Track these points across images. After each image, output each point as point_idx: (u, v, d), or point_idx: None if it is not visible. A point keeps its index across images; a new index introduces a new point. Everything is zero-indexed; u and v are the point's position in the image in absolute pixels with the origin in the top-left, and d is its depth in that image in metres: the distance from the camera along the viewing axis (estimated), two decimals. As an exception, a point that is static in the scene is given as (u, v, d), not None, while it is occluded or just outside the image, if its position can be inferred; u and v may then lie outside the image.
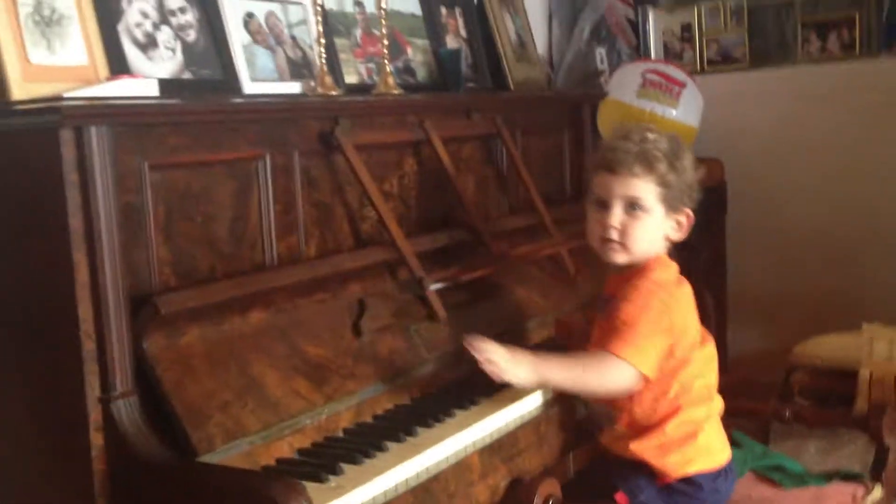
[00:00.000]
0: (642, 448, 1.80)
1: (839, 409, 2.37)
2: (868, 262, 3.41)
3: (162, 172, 1.59)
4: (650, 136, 1.81)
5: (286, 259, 1.81)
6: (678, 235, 1.83)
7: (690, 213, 1.81)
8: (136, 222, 1.55)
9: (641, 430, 1.81)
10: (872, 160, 3.41)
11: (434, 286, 1.96)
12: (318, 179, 1.89)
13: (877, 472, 2.02)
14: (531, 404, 1.89)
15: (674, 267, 1.84)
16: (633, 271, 1.80)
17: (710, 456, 1.82)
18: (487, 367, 1.69)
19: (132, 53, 1.72)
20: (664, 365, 1.76)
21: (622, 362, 1.70)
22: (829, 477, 2.02)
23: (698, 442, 1.80)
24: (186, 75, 1.82)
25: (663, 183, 1.78)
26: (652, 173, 1.77)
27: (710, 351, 1.87)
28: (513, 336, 2.13)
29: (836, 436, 2.56)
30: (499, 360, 1.70)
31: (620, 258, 1.80)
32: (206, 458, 1.48)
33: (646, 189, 1.77)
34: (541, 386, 1.81)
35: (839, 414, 2.27)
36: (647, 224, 1.78)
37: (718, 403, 1.88)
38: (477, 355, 1.68)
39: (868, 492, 1.96)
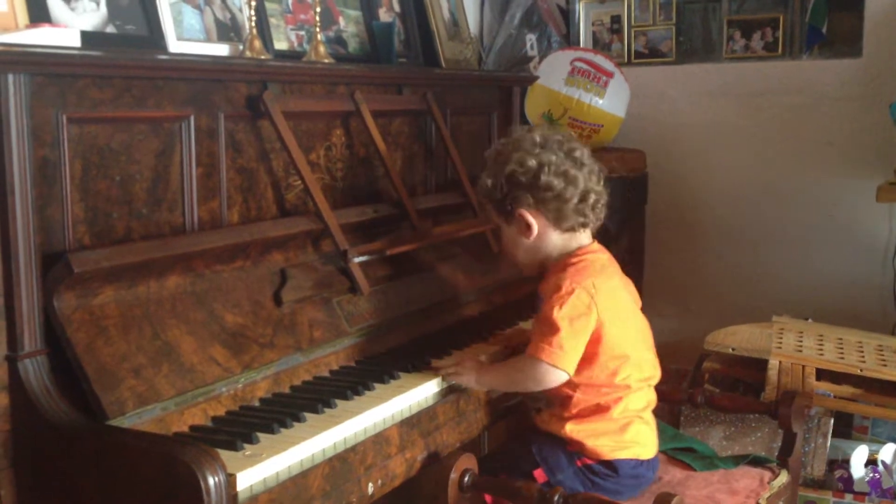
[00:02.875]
0: (578, 430, 1.85)
1: (748, 397, 2.42)
2: (780, 256, 3.51)
3: (81, 126, 1.53)
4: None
5: (207, 224, 1.77)
6: (529, 237, 1.87)
7: (521, 212, 1.85)
8: (51, 177, 1.49)
9: (581, 414, 1.85)
10: (789, 158, 3.50)
11: (358, 259, 1.94)
12: (244, 144, 1.85)
13: (784, 458, 2.07)
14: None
15: (590, 257, 1.87)
16: (549, 273, 1.88)
17: (638, 446, 1.87)
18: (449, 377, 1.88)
19: (54, 3, 1.65)
20: (599, 353, 1.82)
21: (546, 366, 1.80)
22: (737, 460, 2.07)
23: (630, 431, 1.86)
24: (110, 29, 1.76)
25: (487, 195, 1.90)
26: (481, 194, 1.92)
27: (648, 334, 1.95)
28: (435, 312, 2.13)
29: (743, 422, 2.62)
30: (454, 370, 1.88)
31: (526, 272, 1.96)
32: (117, 423, 1.44)
33: (488, 209, 1.93)
34: (484, 386, 1.91)
35: (748, 401, 2.32)
36: (506, 239, 1.92)
37: (652, 396, 1.93)
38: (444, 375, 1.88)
39: (775, 476, 2.01)
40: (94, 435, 1.41)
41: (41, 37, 1.51)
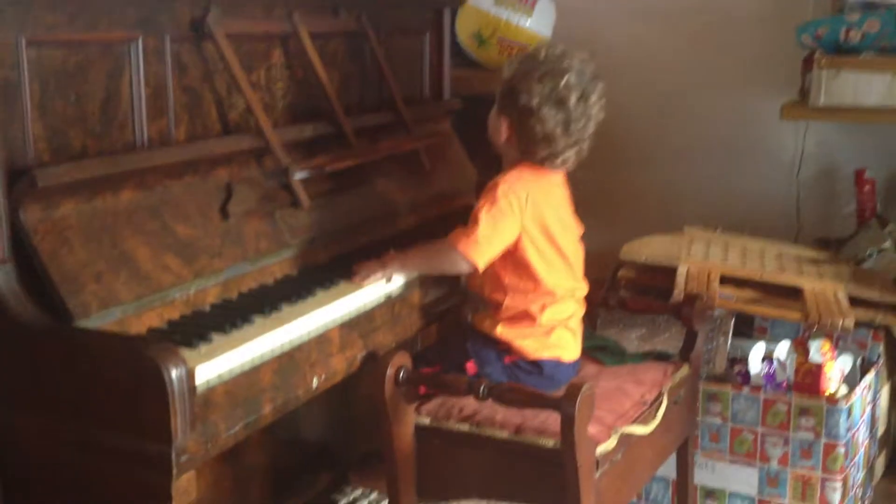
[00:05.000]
0: (507, 332, 2.03)
1: (658, 300, 2.63)
2: (694, 171, 3.72)
3: (38, 49, 1.62)
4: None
5: (156, 141, 1.88)
6: (498, 137, 2.03)
7: (503, 120, 2.01)
8: (11, 98, 1.59)
9: (511, 318, 2.03)
10: (702, 77, 3.68)
11: (299, 175, 2.07)
12: (189, 65, 1.95)
13: (685, 353, 2.30)
14: (388, 286, 2.06)
15: (538, 174, 2.01)
16: (503, 169, 2.05)
17: (560, 349, 2.05)
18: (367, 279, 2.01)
19: (4, -73, 1.72)
20: (526, 262, 1.99)
21: (459, 254, 1.96)
22: (644, 356, 2.29)
23: (554, 336, 2.04)
24: (59, -46, 1.82)
25: (500, 81, 2.03)
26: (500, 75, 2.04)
27: (573, 248, 2.10)
28: (373, 225, 2.28)
29: (654, 324, 2.85)
30: (371, 272, 2.01)
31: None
32: (81, 325, 1.58)
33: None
34: (408, 273, 2.08)
35: (656, 303, 2.54)
36: (491, 116, 2.07)
37: (578, 306, 2.11)
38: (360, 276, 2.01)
39: (677, 369, 2.24)
40: (62, 335, 1.54)
41: (-4, -38, 1.59)
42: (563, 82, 1.92)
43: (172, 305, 1.76)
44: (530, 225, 1.98)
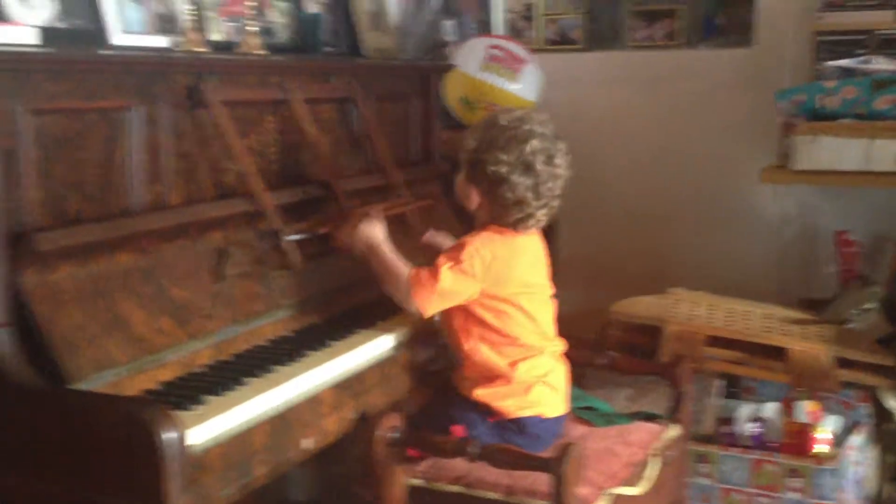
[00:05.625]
0: (485, 394, 2.04)
1: (646, 361, 2.66)
2: (678, 232, 3.79)
3: (38, 117, 1.66)
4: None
5: (152, 206, 1.91)
6: (469, 204, 2.07)
7: (472, 190, 2.04)
8: (12, 164, 1.62)
9: (484, 377, 2.05)
10: (684, 141, 3.77)
11: (290, 238, 2.10)
12: (184, 131, 2.00)
13: (673, 414, 2.32)
14: (380, 348, 2.08)
15: (508, 235, 2.04)
16: (474, 228, 2.08)
17: (542, 406, 2.06)
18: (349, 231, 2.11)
19: (8, 1, 1.77)
20: (486, 317, 2.02)
21: (412, 297, 2.02)
22: (633, 417, 2.31)
23: (533, 393, 2.05)
24: (60, 24, 1.88)
25: (464, 150, 2.05)
26: (462, 145, 2.07)
27: (549, 308, 2.13)
28: (361, 287, 2.31)
29: (643, 384, 2.88)
30: (368, 221, 2.10)
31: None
32: (77, 387, 1.59)
33: (460, 154, 2.09)
34: (372, 252, 2.11)
35: (643, 363, 2.57)
36: (458, 183, 2.10)
37: (556, 363, 2.12)
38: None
39: (665, 430, 2.25)
40: (58, 397, 1.55)
41: (1, 34, 1.64)
42: (528, 147, 1.96)
43: (166, 367, 1.77)
44: (490, 288, 2.02)
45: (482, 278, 1.99)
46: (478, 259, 1.99)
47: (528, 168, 1.96)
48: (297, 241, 2.11)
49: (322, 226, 2.18)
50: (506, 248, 2.03)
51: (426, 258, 2.14)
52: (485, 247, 2.01)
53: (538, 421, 2.06)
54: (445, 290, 1.99)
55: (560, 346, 2.15)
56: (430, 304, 2.02)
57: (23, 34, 1.72)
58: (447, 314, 2.10)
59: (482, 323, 2.04)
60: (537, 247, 2.11)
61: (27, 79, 1.63)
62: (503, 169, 1.96)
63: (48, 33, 1.83)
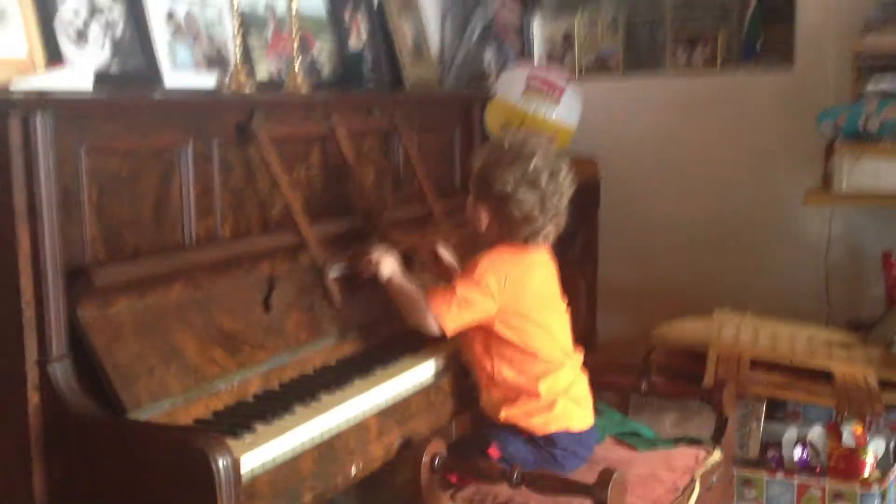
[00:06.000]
0: (512, 414, 2.08)
1: (690, 385, 2.67)
2: (722, 255, 3.78)
3: (96, 157, 1.74)
4: None
5: (204, 239, 1.98)
6: (478, 224, 2.11)
7: (480, 209, 2.09)
8: (72, 202, 1.70)
9: (508, 399, 2.09)
10: (726, 165, 3.77)
11: (332, 274, 2.14)
12: (234, 166, 2.07)
13: (717, 439, 2.33)
14: (422, 375, 2.13)
15: (519, 253, 2.09)
16: (484, 248, 2.14)
17: (569, 420, 2.09)
18: (369, 264, 2.14)
19: (66, 46, 1.86)
20: (507, 334, 2.06)
21: (431, 316, 2.06)
22: (676, 442, 2.33)
23: (557, 408, 2.08)
24: (114, 67, 1.97)
25: (471, 170, 2.13)
26: (470, 167, 2.15)
27: (564, 322, 2.16)
28: (389, 320, 2.34)
29: (686, 408, 2.88)
30: (380, 256, 2.14)
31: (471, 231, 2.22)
32: (133, 416, 1.66)
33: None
34: (388, 286, 2.15)
35: (687, 388, 2.57)
36: (468, 204, 2.15)
37: (577, 375, 2.15)
38: (368, 255, 2.14)
39: (709, 455, 2.27)
40: (116, 427, 1.62)
41: (59, 78, 1.72)
42: (532, 164, 2.03)
43: (218, 396, 1.83)
44: (508, 304, 2.06)
45: (498, 294, 2.04)
46: (491, 275, 2.04)
47: (533, 184, 2.02)
48: (339, 276, 2.15)
49: (356, 261, 2.22)
50: (518, 264, 2.08)
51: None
52: (497, 263, 2.06)
53: (567, 435, 2.09)
54: (463, 303, 2.03)
55: (579, 357, 2.19)
56: (449, 320, 2.05)
57: (80, 76, 1.79)
58: (467, 340, 2.14)
59: (503, 342, 2.07)
60: (548, 261, 2.16)
61: (86, 121, 1.71)
62: (509, 186, 2.02)
63: (104, 75, 1.91)
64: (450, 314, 2.05)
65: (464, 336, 2.13)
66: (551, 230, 2.08)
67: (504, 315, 2.06)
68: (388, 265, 2.14)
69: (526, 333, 2.07)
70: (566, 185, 2.07)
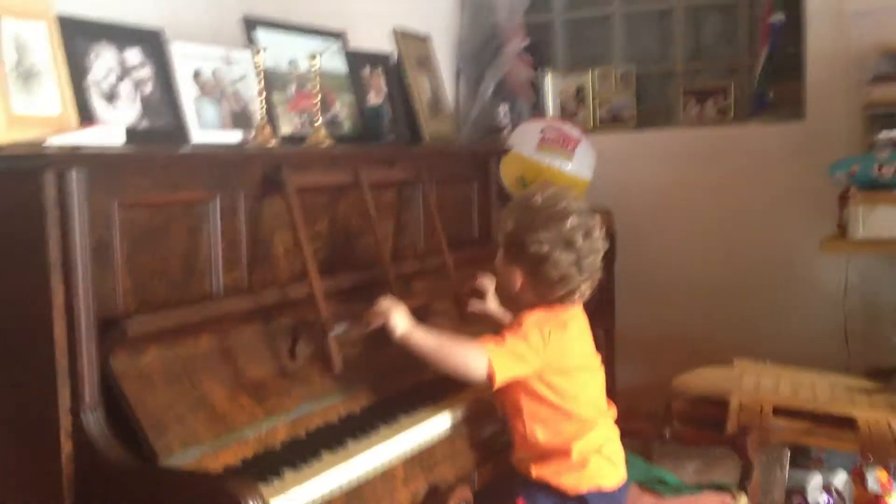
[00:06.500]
0: (542, 472, 2.07)
1: (712, 432, 2.67)
2: (739, 304, 3.80)
3: (128, 211, 1.78)
4: None
5: (231, 289, 2.01)
6: (511, 287, 2.11)
7: (514, 271, 2.08)
8: (104, 254, 1.74)
9: (540, 456, 2.08)
10: (740, 215, 3.81)
11: (334, 333, 2.06)
12: (259, 220, 2.11)
13: (743, 484, 2.32)
14: (446, 422, 2.14)
15: (556, 311, 2.08)
16: (519, 313, 2.12)
17: (601, 479, 2.07)
18: (376, 316, 2.03)
19: (98, 104, 1.92)
20: (548, 397, 2.04)
21: (484, 359, 1.97)
22: (702, 487, 2.32)
23: (590, 467, 2.06)
24: (144, 123, 2.02)
25: (501, 231, 2.13)
26: (499, 226, 2.16)
27: (599, 379, 2.16)
28: (411, 369, 2.35)
29: (710, 456, 2.87)
30: (389, 306, 2.03)
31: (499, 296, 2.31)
32: (165, 464, 1.68)
33: (497, 235, 2.19)
34: (406, 341, 2.02)
35: (711, 435, 2.58)
36: (498, 265, 2.16)
37: (610, 432, 2.15)
38: (375, 308, 2.04)
39: (735, 500, 2.26)
40: (149, 474, 1.64)
41: (92, 135, 1.78)
42: (567, 224, 2.02)
43: (246, 444, 1.85)
44: (552, 362, 2.04)
45: (542, 352, 2.02)
46: (537, 333, 2.02)
47: (569, 244, 2.01)
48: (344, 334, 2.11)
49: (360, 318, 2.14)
50: (558, 323, 2.07)
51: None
52: (540, 322, 2.04)
53: (599, 494, 2.07)
54: (515, 352, 2.00)
55: (612, 413, 2.17)
56: (502, 366, 1.99)
57: (110, 134, 1.85)
58: (502, 396, 2.12)
59: (540, 401, 2.05)
60: (583, 317, 2.16)
61: (119, 175, 1.76)
62: (545, 248, 2.01)
63: (133, 132, 1.97)
64: (504, 361, 1.98)
65: (498, 394, 2.11)
66: (587, 289, 2.07)
67: (545, 373, 2.04)
68: (400, 320, 2.03)
69: (564, 393, 2.05)
70: (600, 243, 2.06)
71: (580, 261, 2.02)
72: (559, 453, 2.06)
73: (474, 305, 2.41)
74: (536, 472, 2.07)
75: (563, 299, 2.07)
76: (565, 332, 2.07)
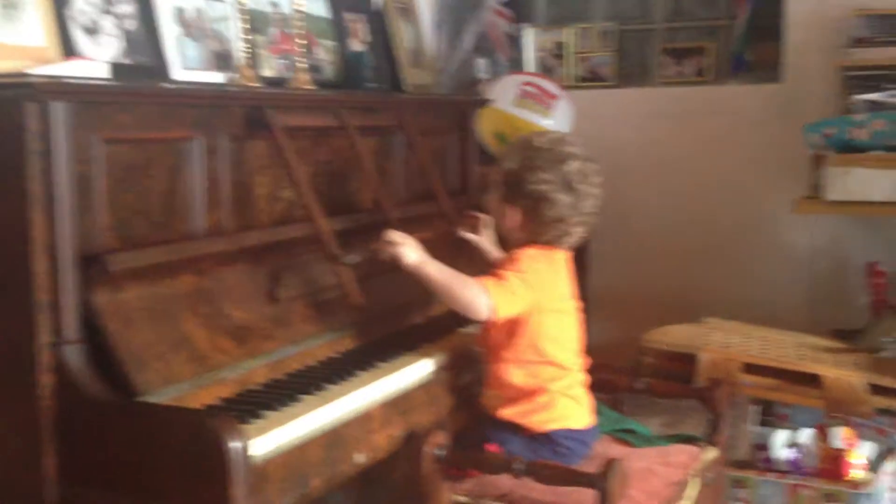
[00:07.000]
0: (511, 413, 2.10)
1: (682, 384, 2.71)
2: (710, 263, 3.85)
3: (110, 146, 1.76)
4: None
5: (212, 231, 2.00)
6: (506, 224, 2.14)
7: (511, 209, 2.10)
8: (85, 190, 1.72)
9: (509, 397, 2.11)
10: (715, 175, 3.84)
11: (348, 261, 2.13)
12: (241, 161, 2.09)
13: (711, 436, 2.37)
14: (424, 369, 2.15)
15: (546, 251, 2.12)
16: (511, 250, 2.17)
17: (568, 420, 2.11)
18: (388, 245, 2.06)
19: (80, 38, 1.89)
20: (528, 334, 2.07)
21: (485, 295, 2.01)
22: (671, 439, 2.36)
23: (558, 408, 2.10)
24: (126, 61, 1.99)
25: (500, 171, 2.14)
26: (497, 165, 2.17)
27: (575, 325, 2.18)
28: (410, 310, 2.38)
29: (677, 410, 2.93)
30: (401, 239, 2.06)
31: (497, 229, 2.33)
32: (145, 400, 1.68)
33: (494, 174, 2.19)
34: (418, 273, 2.06)
35: (681, 387, 2.61)
36: (492, 202, 2.19)
37: (579, 376, 2.18)
38: (386, 238, 2.06)
39: (704, 452, 2.30)
40: (129, 409, 1.64)
41: (76, 69, 1.75)
42: (567, 167, 2.06)
43: (225, 384, 1.85)
44: (541, 301, 2.08)
45: (535, 288, 2.06)
46: (531, 270, 2.06)
47: (568, 186, 2.05)
48: (353, 267, 2.15)
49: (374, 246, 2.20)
50: (548, 263, 2.11)
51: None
52: (534, 260, 2.08)
53: (567, 433, 2.10)
54: (514, 289, 2.03)
55: (583, 361, 2.21)
56: (504, 302, 2.01)
57: (93, 68, 1.82)
58: (487, 335, 2.15)
59: (524, 340, 2.09)
60: (567, 263, 2.19)
61: (101, 110, 1.73)
62: (544, 187, 2.05)
63: (115, 68, 1.94)
64: (505, 297, 2.02)
65: (483, 333, 2.15)
66: (580, 233, 2.11)
67: (534, 311, 2.07)
68: (412, 250, 2.07)
69: (547, 333, 2.08)
70: (597, 189, 2.10)
71: (577, 204, 2.06)
72: (530, 394, 2.09)
73: (467, 235, 2.45)
74: (505, 412, 2.10)
75: (556, 241, 2.10)
76: (555, 273, 2.11)
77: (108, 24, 1.97)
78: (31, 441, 1.66)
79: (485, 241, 2.46)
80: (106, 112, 1.74)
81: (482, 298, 2.01)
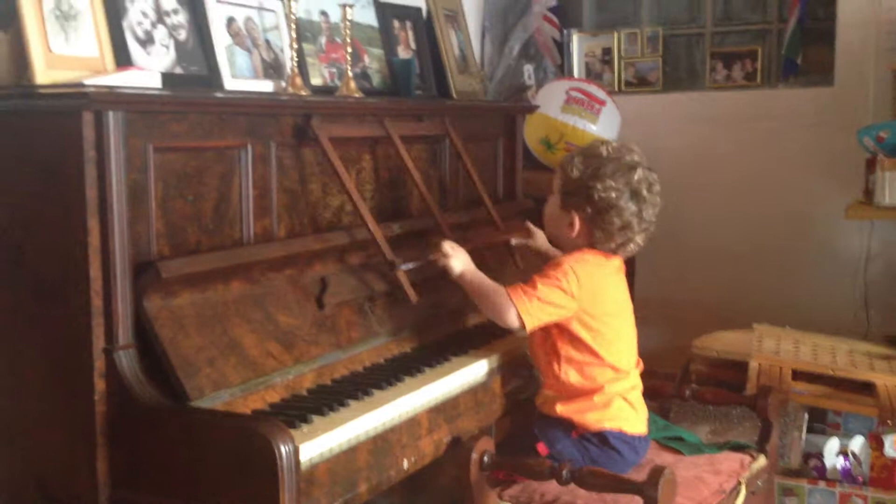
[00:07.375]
0: (567, 409, 2.12)
1: (732, 392, 2.68)
2: (760, 269, 3.80)
3: (163, 155, 1.79)
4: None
5: (261, 237, 2.03)
6: (565, 231, 2.15)
7: (574, 217, 2.11)
8: (139, 197, 1.75)
9: (567, 396, 2.12)
10: (766, 180, 3.79)
11: (404, 267, 2.16)
12: (290, 168, 2.12)
13: (762, 444, 2.34)
14: (471, 374, 2.16)
15: (598, 256, 2.13)
16: (562, 253, 2.21)
17: (624, 422, 2.12)
18: (441, 256, 2.17)
19: (134, 48, 1.93)
20: (583, 338, 2.08)
21: (511, 306, 2.06)
22: (721, 447, 2.34)
23: (613, 408, 2.11)
24: (178, 70, 2.03)
25: (565, 177, 2.15)
26: (562, 170, 2.18)
27: (630, 329, 2.19)
28: (458, 315, 2.39)
29: (725, 418, 2.90)
30: (452, 251, 2.17)
31: (546, 234, 2.37)
32: (197, 405, 1.70)
33: (556, 181, 2.21)
34: (461, 282, 2.18)
35: (731, 394, 2.58)
36: (550, 208, 2.21)
37: (636, 381, 2.19)
38: (441, 249, 2.17)
39: (753, 460, 2.28)
40: (181, 414, 1.66)
41: (129, 79, 1.78)
42: (635, 176, 2.07)
43: (274, 389, 1.87)
44: (588, 306, 2.09)
45: (578, 295, 2.06)
46: (572, 276, 2.07)
47: (635, 195, 2.07)
48: (406, 272, 2.17)
49: (428, 253, 2.24)
50: (598, 268, 2.11)
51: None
52: (578, 265, 2.09)
53: (620, 435, 2.11)
54: (544, 300, 2.05)
55: (640, 368, 2.22)
56: (529, 313, 2.06)
57: (146, 78, 1.86)
58: (535, 338, 2.16)
59: (577, 343, 2.10)
60: (622, 269, 2.19)
61: (154, 119, 1.77)
62: (613, 195, 2.06)
63: (168, 78, 1.97)
64: (531, 307, 2.05)
65: (532, 335, 2.16)
66: (641, 240, 2.13)
67: (583, 314, 2.09)
68: (459, 259, 2.16)
69: (600, 336, 2.10)
70: (659, 198, 2.12)
71: (642, 212, 2.08)
72: (587, 393, 2.10)
73: (519, 240, 2.51)
74: (561, 408, 2.12)
75: (619, 249, 2.12)
76: (607, 280, 2.12)
77: (160, 34, 2.01)
78: (85, 444, 1.70)
79: (538, 240, 2.49)
80: (158, 121, 1.78)
81: (510, 314, 2.07)
